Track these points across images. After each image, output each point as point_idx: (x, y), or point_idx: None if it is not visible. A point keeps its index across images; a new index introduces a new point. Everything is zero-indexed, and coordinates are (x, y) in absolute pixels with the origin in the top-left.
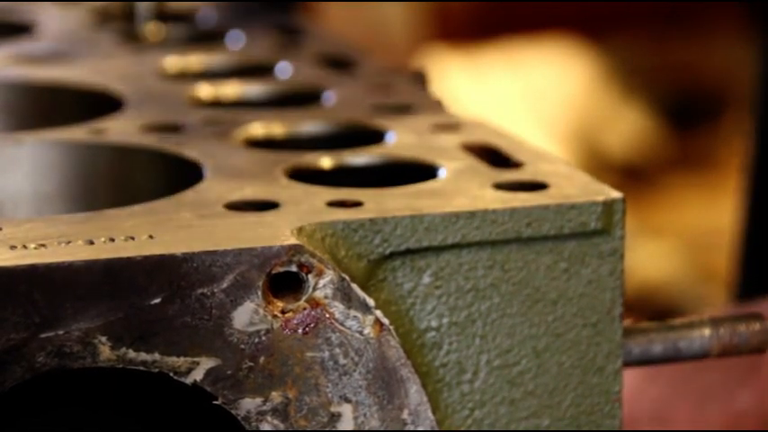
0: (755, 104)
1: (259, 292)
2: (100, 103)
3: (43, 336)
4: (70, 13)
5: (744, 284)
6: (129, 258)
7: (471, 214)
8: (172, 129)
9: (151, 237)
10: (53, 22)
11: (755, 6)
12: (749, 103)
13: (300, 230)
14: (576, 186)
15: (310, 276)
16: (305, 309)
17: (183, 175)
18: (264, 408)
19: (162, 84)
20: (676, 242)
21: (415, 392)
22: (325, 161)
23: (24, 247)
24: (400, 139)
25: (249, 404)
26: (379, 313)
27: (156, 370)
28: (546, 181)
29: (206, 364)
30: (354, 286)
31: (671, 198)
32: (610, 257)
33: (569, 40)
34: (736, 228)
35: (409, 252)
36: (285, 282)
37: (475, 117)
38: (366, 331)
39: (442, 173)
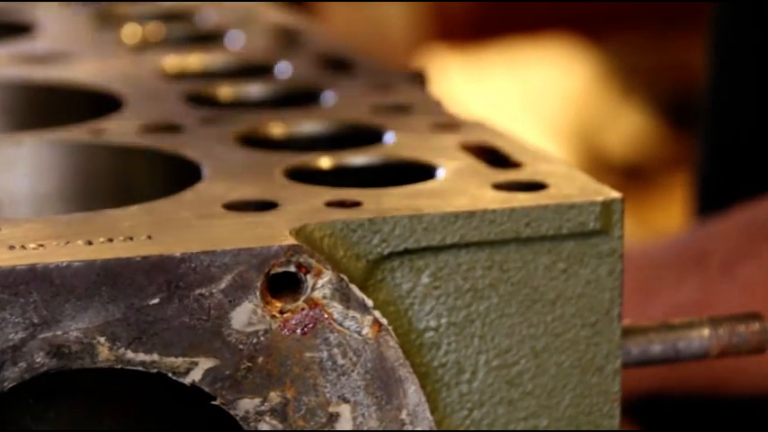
0: (705, 109)
1: (257, 293)
2: (99, 104)
3: (42, 336)
4: (70, 13)
5: None
6: (127, 259)
7: (470, 214)
8: (171, 129)
9: (150, 237)
10: (53, 23)
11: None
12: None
13: (299, 231)
14: (574, 186)
15: (309, 277)
16: (303, 309)
17: (181, 175)
18: (263, 408)
19: (162, 84)
20: None
21: (413, 393)
22: (325, 161)
23: (23, 247)
24: (399, 139)
25: (247, 404)
26: (377, 313)
27: (155, 370)
28: (545, 181)
29: (204, 364)
30: (353, 286)
31: (670, 198)
32: (608, 257)
33: (569, 40)
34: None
35: (408, 252)
36: (283, 282)
37: (474, 117)
38: (364, 331)
39: (441, 173)
